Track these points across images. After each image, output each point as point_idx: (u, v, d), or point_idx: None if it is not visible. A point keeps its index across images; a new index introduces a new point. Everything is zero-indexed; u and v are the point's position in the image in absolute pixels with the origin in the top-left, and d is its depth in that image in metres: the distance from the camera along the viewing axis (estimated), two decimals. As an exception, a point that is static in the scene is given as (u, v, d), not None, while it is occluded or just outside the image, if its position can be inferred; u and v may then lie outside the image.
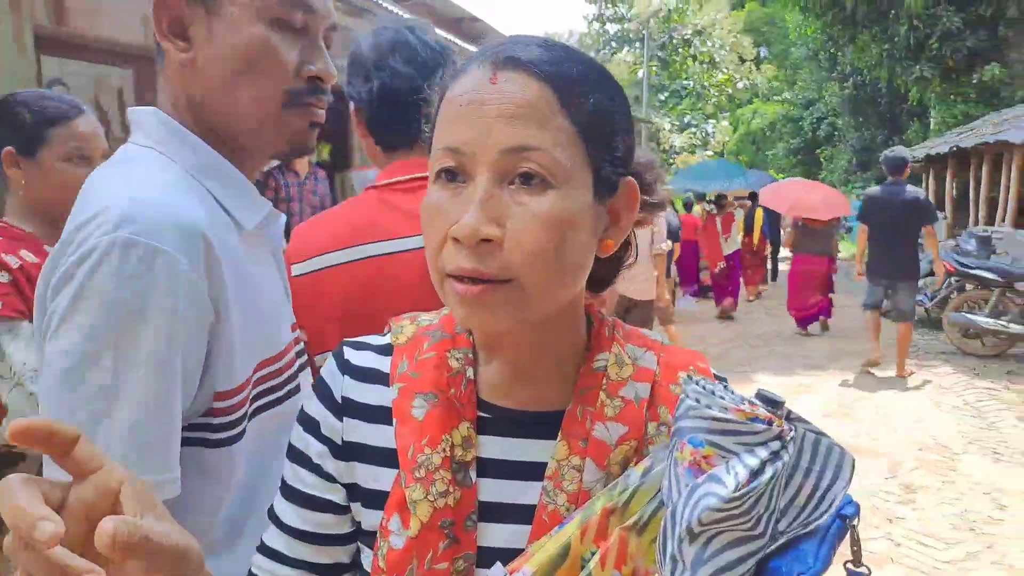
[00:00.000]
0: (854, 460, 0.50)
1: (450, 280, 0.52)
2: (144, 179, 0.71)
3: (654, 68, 22.44)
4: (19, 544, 0.37)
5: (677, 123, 22.69)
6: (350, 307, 1.01)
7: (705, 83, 23.35)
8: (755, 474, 0.45)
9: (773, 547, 0.47)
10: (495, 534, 0.56)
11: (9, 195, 1.41)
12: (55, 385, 0.64)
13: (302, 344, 0.93)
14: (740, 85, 23.87)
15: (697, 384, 0.50)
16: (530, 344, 0.57)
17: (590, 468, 0.55)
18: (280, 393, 0.81)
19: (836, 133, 21.75)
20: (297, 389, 0.85)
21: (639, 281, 4.25)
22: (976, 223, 8.95)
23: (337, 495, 0.60)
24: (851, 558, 0.53)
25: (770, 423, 0.46)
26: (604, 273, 0.63)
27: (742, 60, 23.80)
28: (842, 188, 19.30)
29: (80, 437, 0.39)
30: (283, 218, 0.88)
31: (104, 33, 5.48)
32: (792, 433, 0.47)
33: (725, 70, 23.33)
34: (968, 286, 6.56)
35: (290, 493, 0.61)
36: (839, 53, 13.96)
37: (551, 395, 0.59)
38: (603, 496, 0.52)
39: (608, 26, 24.42)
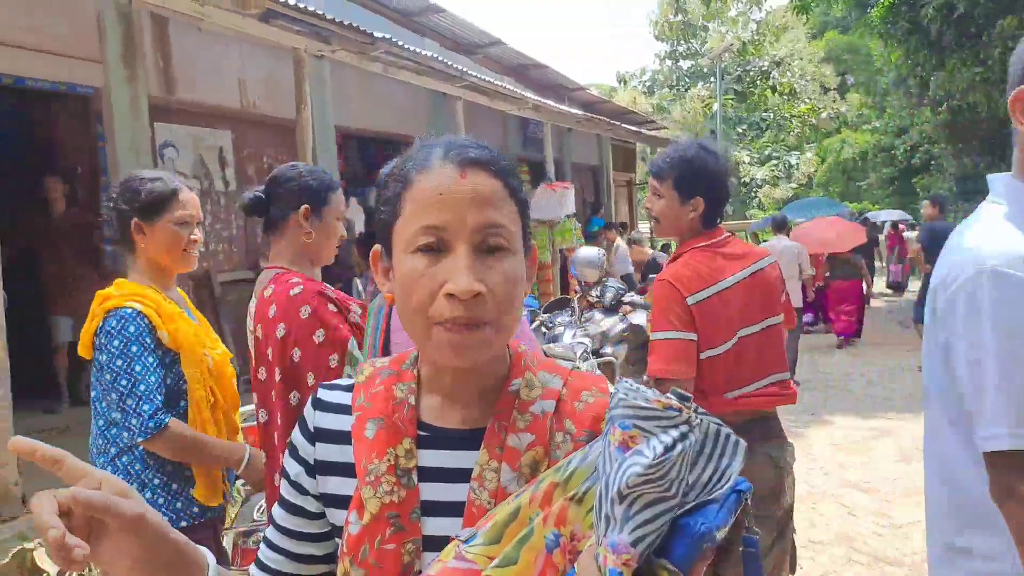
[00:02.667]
0: (746, 445, 0.62)
1: (439, 328, 0.66)
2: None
3: (730, 101, 22.08)
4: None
5: (757, 156, 22.12)
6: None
7: (786, 114, 22.68)
8: (668, 449, 0.56)
9: (682, 511, 0.58)
10: (436, 525, 0.70)
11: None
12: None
13: None
14: (824, 115, 23.00)
15: (627, 384, 0.63)
16: (468, 377, 0.72)
17: (505, 470, 0.69)
18: None
19: (933, 161, 20.44)
20: None
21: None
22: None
23: (310, 504, 0.77)
24: (746, 524, 0.64)
25: (680, 411, 0.58)
26: None
27: (825, 90, 22.99)
28: (947, 218, 18.00)
29: (64, 458, 0.59)
30: None
31: (206, 99, 6.16)
32: (697, 421, 0.59)
33: (807, 100, 22.60)
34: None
35: (280, 499, 0.80)
36: (929, 78, 13.26)
37: (476, 415, 0.73)
38: (550, 474, 0.66)
39: (681, 62, 24.38)
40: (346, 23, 5.05)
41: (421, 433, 0.73)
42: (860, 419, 5.61)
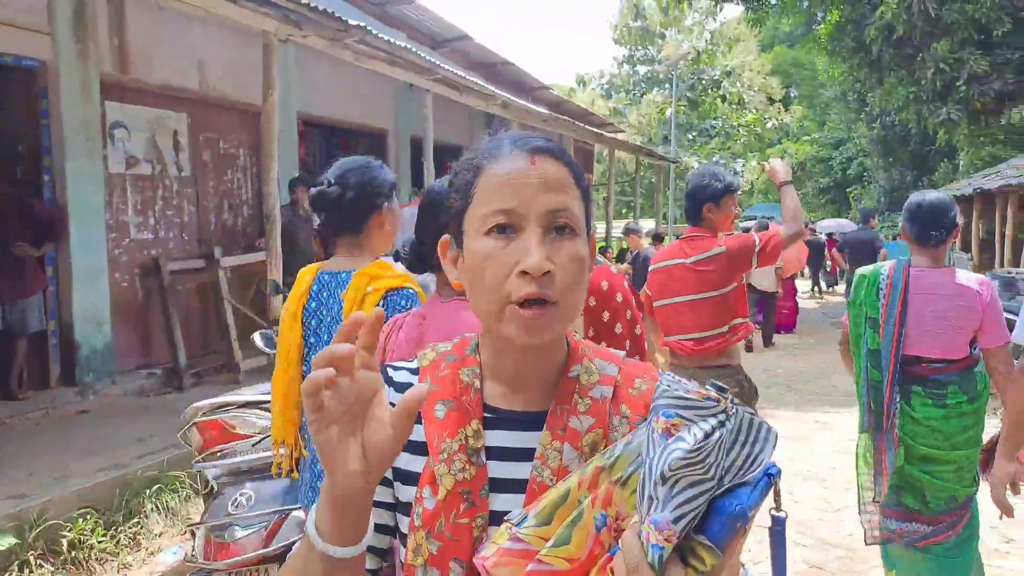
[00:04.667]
0: (777, 433, 0.67)
1: (513, 307, 0.70)
2: None
3: (683, 108, 22.79)
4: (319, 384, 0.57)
5: (706, 161, 22.92)
6: None
7: (734, 123, 23.61)
8: (707, 435, 0.62)
9: (719, 492, 0.63)
10: (502, 501, 0.74)
11: None
12: None
13: None
14: (769, 125, 24.05)
15: (669, 376, 0.69)
16: (535, 360, 0.76)
17: (568, 450, 0.73)
18: None
19: (866, 173, 21.70)
20: None
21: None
22: (1001, 265, 8.92)
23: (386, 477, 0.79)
24: (774, 505, 0.71)
25: (718, 402, 0.64)
26: None
27: (771, 101, 24.04)
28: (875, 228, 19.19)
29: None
30: None
31: (162, 79, 5.89)
32: (733, 411, 0.64)
33: (754, 110, 23.58)
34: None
35: None
36: (868, 94, 14.12)
37: (537, 399, 0.77)
38: (596, 459, 0.69)
39: (638, 67, 24.97)
40: (319, 8, 4.95)
41: (486, 415, 0.77)
42: (803, 413, 6.00)
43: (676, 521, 0.61)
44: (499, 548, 0.67)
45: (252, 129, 6.78)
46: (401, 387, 0.80)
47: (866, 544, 2.35)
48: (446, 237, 0.79)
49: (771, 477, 0.65)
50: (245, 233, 6.77)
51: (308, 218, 6.28)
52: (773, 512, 0.71)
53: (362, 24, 5.52)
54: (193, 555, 2.20)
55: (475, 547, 0.72)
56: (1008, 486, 1.94)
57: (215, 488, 2.49)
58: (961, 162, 14.42)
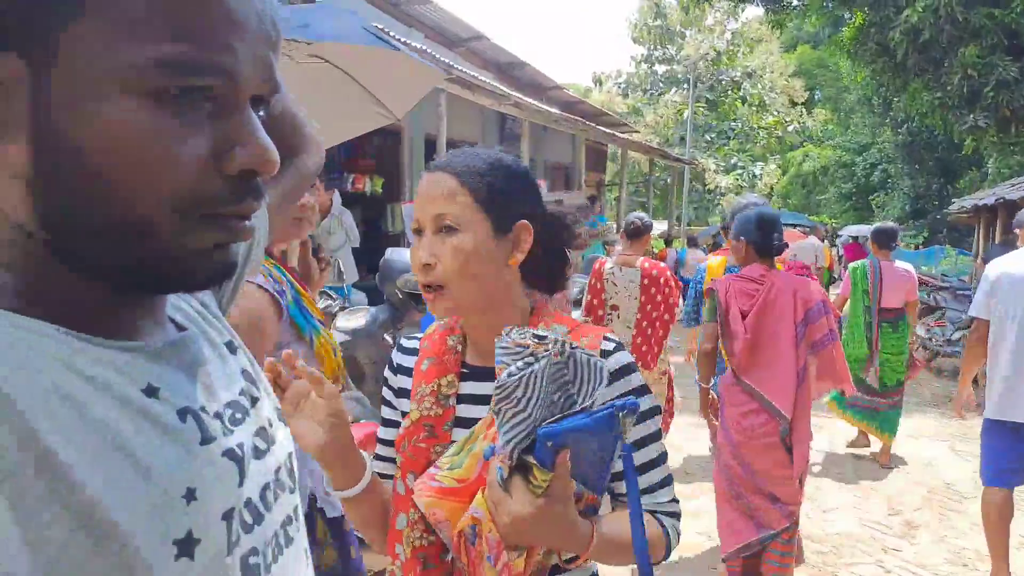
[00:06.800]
0: (608, 368, 0.80)
1: (424, 290, 0.94)
2: None
3: (701, 109, 22.48)
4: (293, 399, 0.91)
5: (723, 164, 22.61)
6: None
7: (754, 125, 23.23)
8: (511, 375, 0.74)
9: (551, 420, 0.73)
10: (463, 435, 0.93)
11: None
12: None
13: None
14: (791, 128, 23.63)
15: (507, 328, 0.80)
16: (482, 326, 0.97)
17: None
18: None
19: (890, 180, 21.24)
20: None
21: None
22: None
23: (398, 417, 1.04)
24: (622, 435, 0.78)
25: (527, 347, 0.76)
26: (548, 280, 1.02)
27: (793, 103, 23.62)
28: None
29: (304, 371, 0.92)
30: None
31: None
32: (544, 351, 0.75)
33: (775, 113, 23.18)
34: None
35: (383, 419, 1.09)
36: (892, 99, 13.78)
37: None
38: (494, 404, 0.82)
39: (657, 67, 24.69)
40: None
41: (463, 371, 1.00)
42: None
43: (505, 445, 0.74)
44: (426, 486, 0.87)
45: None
46: (404, 349, 1.07)
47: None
48: None
49: (616, 408, 0.73)
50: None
51: (327, 215, 6.26)
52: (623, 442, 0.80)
53: (380, 26, 5.47)
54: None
55: (428, 467, 0.92)
56: (961, 406, 3.19)
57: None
58: (989, 170, 14.03)
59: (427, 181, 0.94)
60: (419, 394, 0.98)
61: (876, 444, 4.77)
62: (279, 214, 0.79)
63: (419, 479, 0.89)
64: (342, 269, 3.36)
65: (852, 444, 4.91)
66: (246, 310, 1.45)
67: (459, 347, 1.00)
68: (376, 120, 2.72)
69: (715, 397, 2.85)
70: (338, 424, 0.90)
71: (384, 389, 1.08)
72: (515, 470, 0.75)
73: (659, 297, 3.58)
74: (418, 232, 0.93)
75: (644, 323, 3.58)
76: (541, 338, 0.76)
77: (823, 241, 11.34)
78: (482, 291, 0.93)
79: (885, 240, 4.52)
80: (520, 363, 0.75)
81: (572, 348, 0.76)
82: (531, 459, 0.73)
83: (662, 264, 3.72)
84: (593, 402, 0.75)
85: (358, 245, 5.78)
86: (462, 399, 0.97)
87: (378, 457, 1.08)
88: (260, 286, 1.41)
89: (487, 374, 0.93)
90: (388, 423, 1.07)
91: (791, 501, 2.57)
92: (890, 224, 4.88)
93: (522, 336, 0.77)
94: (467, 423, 0.94)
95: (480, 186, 0.93)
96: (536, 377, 0.73)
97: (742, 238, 2.72)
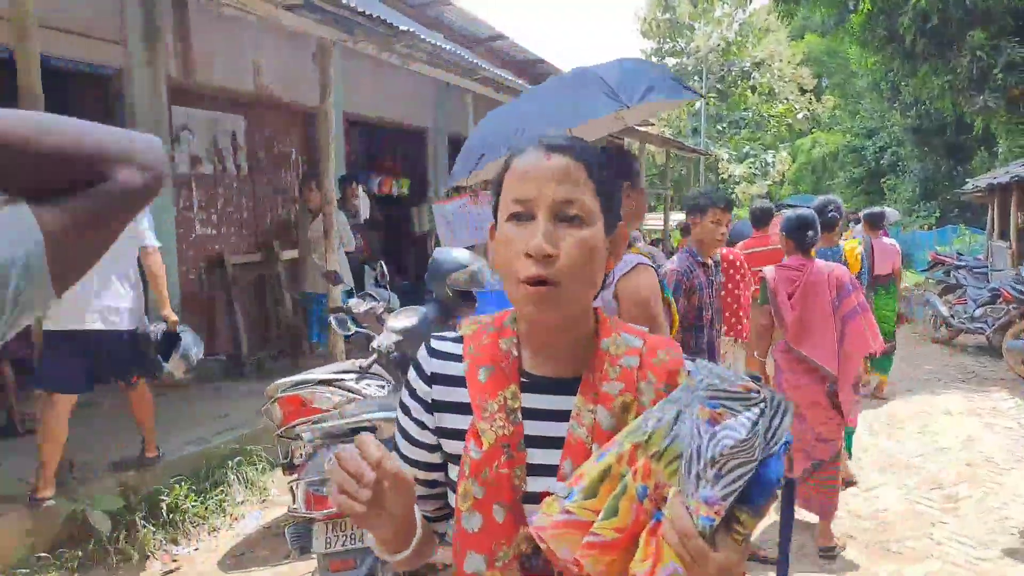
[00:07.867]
0: (792, 404, 0.75)
1: (523, 285, 0.79)
2: None
3: (713, 100, 22.67)
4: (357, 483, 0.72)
5: (736, 153, 22.79)
6: None
7: (764, 113, 23.39)
8: (754, 424, 0.71)
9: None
10: (536, 456, 0.84)
11: None
12: None
13: None
14: (800, 115, 23.76)
15: (704, 365, 0.76)
16: (559, 333, 0.86)
17: (600, 411, 0.83)
18: None
19: (900, 163, 21.33)
20: None
21: None
22: (1041, 253, 8.86)
23: (427, 437, 0.91)
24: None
25: (759, 392, 0.73)
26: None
27: (802, 91, 23.74)
28: (906, 218, 18.91)
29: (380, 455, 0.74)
30: None
31: (221, 83, 6.18)
32: (769, 396, 0.73)
33: (784, 100, 23.32)
34: (1028, 314, 6.70)
35: (403, 432, 0.94)
36: (902, 84, 13.96)
37: (567, 366, 0.87)
38: (630, 437, 0.77)
39: (667, 60, 24.86)
40: (372, 15, 5.15)
41: (523, 380, 0.87)
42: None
43: (725, 497, 0.69)
44: (552, 520, 0.75)
45: (302, 129, 7.12)
46: (439, 354, 0.91)
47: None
48: (491, 222, 0.89)
49: (787, 445, 0.73)
50: (298, 228, 7.12)
51: (355, 214, 6.59)
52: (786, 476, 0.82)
53: (410, 29, 5.78)
54: (295, 507, 2.50)
55: (515, 494, 0.82)
56: None
57: (304, 454, 2.80)
58: (1000, 150, 14.18)
59: (551, 161, 0.81)
60: (487, 411, 0.84)
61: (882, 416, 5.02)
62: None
63: (554, 533, 0.75)
64: (385, 272, 3.57)
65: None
66: (650, 285, 1.92)
67: (514, 351, 0.88)
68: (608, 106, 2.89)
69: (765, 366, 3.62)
70: (406, 516, 0.80)
71: (408, 401, 0.91)
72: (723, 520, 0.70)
73: (737, 277, 4.14)
74: (518, 217, 0.81)
75: (729, 299, 3.97)
76: (756, 379, 0.74)
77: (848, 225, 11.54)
78: (588, 296, 0.84)
79: (875, 221, 5.93)
80: (756, 410, 0.71)
81: (764, 388, 0.73)
82: (745, 507, 0.70)
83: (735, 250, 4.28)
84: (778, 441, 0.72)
85: (352, 249, 5.96)
86: (525, 414, 0.85)
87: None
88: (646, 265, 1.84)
89: (548, 385, 0.86)
90: (416, 443, 0.91)
91: (832, 437, 3.32)
92: (878, 209, 6.25)
93: (736, 377, 0.73)
94: (537, 443, 0.84)
95: (602, 179, 0.85)
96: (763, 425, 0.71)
97: (785, 235, 3.41)
